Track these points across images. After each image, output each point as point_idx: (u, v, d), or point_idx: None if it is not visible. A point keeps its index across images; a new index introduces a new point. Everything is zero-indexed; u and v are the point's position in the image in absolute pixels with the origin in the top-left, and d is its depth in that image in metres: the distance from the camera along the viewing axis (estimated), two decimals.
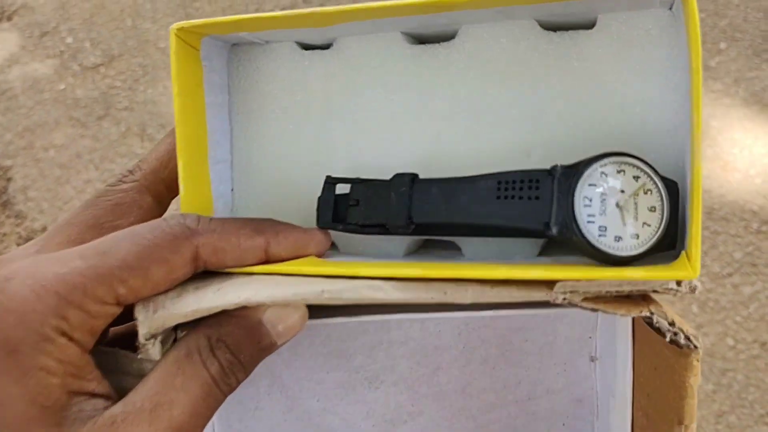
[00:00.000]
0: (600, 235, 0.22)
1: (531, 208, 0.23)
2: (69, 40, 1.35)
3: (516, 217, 0.23)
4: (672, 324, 0.23)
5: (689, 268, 0.21)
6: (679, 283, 0.21)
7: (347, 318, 0.28)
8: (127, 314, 0.24)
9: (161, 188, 0.28)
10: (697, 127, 0.21)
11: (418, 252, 0.29)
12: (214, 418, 0.31)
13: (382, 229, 0.25)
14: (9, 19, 1.38)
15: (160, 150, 0.28)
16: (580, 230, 0.22)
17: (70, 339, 0.21)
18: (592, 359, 0.34)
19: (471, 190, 0.24)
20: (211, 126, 0.28)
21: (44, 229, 1.19)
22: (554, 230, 0.22)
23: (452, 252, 0.28)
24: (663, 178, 0.23)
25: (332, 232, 0.27)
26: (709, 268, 1.13)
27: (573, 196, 0.22)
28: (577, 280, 0.21)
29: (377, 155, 0.28)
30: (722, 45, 1.26)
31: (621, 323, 0.30)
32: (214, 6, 1.35)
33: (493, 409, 0.34)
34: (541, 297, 0.22)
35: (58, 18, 1.37)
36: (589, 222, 0.22)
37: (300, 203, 0.29)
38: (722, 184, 1.17)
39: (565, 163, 0.23)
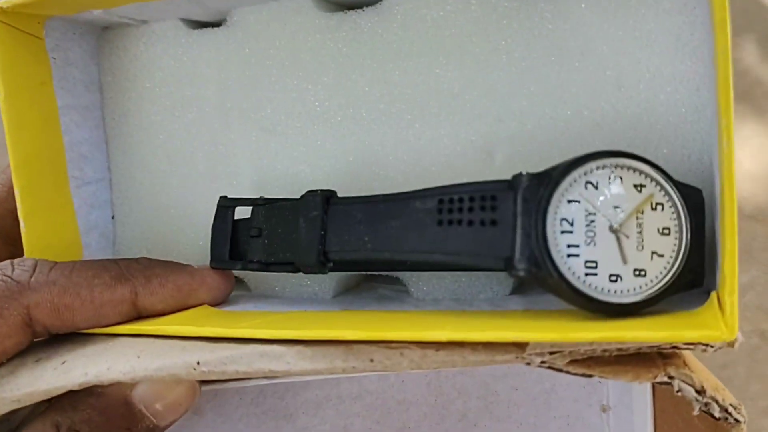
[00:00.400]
0: (588, 274, 0.15)
1: (485, 237, 0.16)
2: None
3: (465, 250, 0.16)
4: (701, 392, 0.16)
5: (722, 324, 0.14)
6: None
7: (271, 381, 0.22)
8: None
9: (8, 222, 0.22)
10: (726, 107, 0.14)
11: (355, 291, 0.22)
12: None
13: (293, 268, 0.19)
14: None
15: (7, 173, 0.21)
16: (556, 268, 0.15)
17: None
18: (604, 409, 0.28)
19: (404, 213, 0.17)
20: (70, 137, 0.22)
21: None
22: (520, 269, 0.15)
23: (398, 290, 0.21)
24: (680, 186, 0.16)
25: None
26: None
27: (545, 217, 0.15)
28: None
29: (288, 163, 0.21)
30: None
31: None
32: None
33: None
34: (508, 360, 0.16)
35: None
36: (570, 255, 0.15)
37: (198, 231, 0.22)
38: None
39: (534, 171, 0.16)
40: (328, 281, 0.21)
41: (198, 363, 0.17)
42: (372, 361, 0.16)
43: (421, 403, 0.28)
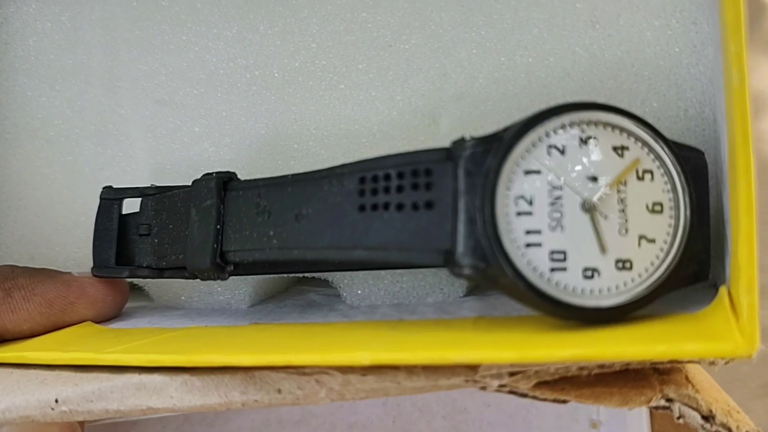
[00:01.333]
0: (555, 269, 0.12)
1: (419, 225, 0.12)
2: None
3: (392, 243, 0.12)
4: (709, 418, 0.13)
5: (736, 332, 0.11)
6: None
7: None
8: None
9: None
10: (735, 29, 0.11)
11: (279, 298, 0.18)
12: None
13: (189, 273, 0.15)
14: None
15: None
16: (511, 263, 0.11)
17: None
18: (594, 425, 0.26)
19: (317, 197, 0.13)
20: None
21: None
22: (464, 265, 0.12)
23: (330, 294, 0.17)
24: (674, 147, 0.12)
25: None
26: None
27: (494, 195, 0.12)
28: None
29: (190, 140, 0.18)
30: None
31: None
32: None
33: None
34: (454, 384, 0.12)
35: None
36: (530, 245, 0.12)
37: (88, 230, 0.18)
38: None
39: (480, 134, 0.12)
40: (243, 287, 0.17)
41: (56, 401, 0.14)
42: (279, 392, 0.13)
43: (376, 426, 0.25)
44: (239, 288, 0.17)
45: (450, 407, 0.25)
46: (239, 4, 0.16)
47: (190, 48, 0.17)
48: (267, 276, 0.17)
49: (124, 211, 0.17)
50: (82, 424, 0.16)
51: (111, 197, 0.17)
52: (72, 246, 0.19)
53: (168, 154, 0.18)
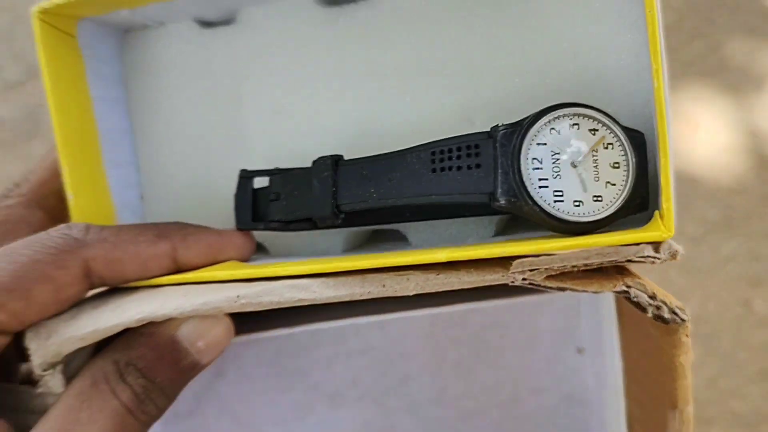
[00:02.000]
0: (556, 201, 0.19)
1: (472, 178, 0.20)
2: None
3: (456, 190, 0.20)
4: (653, 297, 0.20)
5: (662, 227, 0.18)
6: (657, 248, 0.19)
7: (292, 329, 0.26)
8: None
9: (53, 201, 0.25)
10: (657, 68, 0.18)
11: (362, 247, 0.26)
12: None
13: (310, 224, 0.22)
14: None
15: (49, 158, 0.25)
16: (530, 197, 0.19)
17: None
18: (579, 351, 0.32)
19: (402, 165, 0.21)
20: (103, 124, 0.25)
21: None
22: (501, 200, 0.19)
23: (400, 243, 0.25)
24: (626, 129, 0.20)
25: (259, 233, 0.25)
26: (683, 230, 1.13)
27: (519, 158, 0.19)
28: (537, 256, 0.18)
29: (298, 139, 0.25)
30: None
31: (606, 308, 0.29)
32: None
33: (474, 416, 0.32)
34: (496, 279, 0.19)
35: None
36: (541, 187, 0.19)
37: (219, 204, 0.26)
38: (688, 142, 1.17)
39: (508, 122, 0.20)
40: (337, 239, 0.25)
41: (237, 296, 0.21)
42: (384, 286, 0.20)
43: (420, 354, 0.32)
44: (334, 239, 0.25)
45: (474, 339, 0.31)
46: (334, 45, 0.24)
47: (298, 73, 0.24)
48: (354, 229, 0.25)
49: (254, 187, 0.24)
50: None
51: (247, 176, 0.24)
52: (206, 217, 0.26)
53: (280, 149, 0.25)
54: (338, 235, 0.25)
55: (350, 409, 0.32)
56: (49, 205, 0.25)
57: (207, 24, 0.26)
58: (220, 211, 0.25)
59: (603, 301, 0.29)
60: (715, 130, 1.17)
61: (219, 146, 0.26)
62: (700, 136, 1.16)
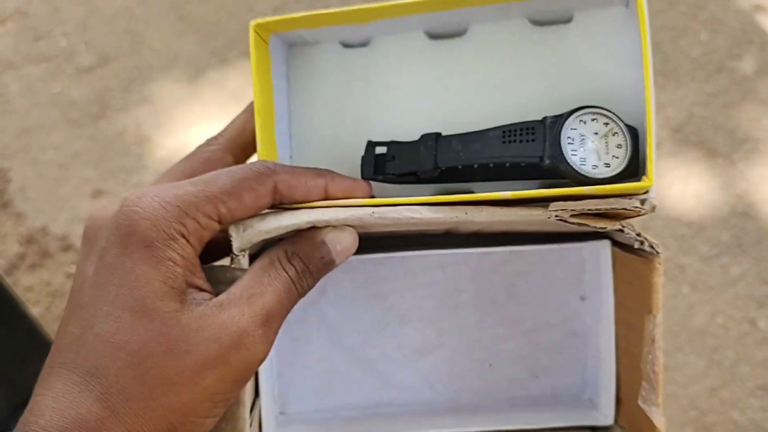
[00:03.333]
0: (581, 164, 0.30)
1: (529, 147, 0.31)
2: (63, 43, 1.43)
3: (518, 154, 0.31)
4: (639, 235, 0.31)
5: (646, 180, 0.29)
6: (642, 202, 0.29)
7: (383, 254, 0.37)
8: (211, 257, 0.32)
9: (238, 151, 0.36)
10: (648, 91, 0.30)
11: None
12: (273, 351, 0.39)
13: (414, 177, 0.34)
14: (2, 24, 1.46)
15: (237, 122, 0.37)
16: (566, 160, 0.30)
17: (188, 241, 0.28)
18: (582, 298, 0.40)
19: (482, 138, 0.32)
20: (276, 104, 0.37)
21: (44, 228, 1.27)
22: (548, 161, 0.30)
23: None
24: (627, 125, 0.31)
25: (374, 188, 0.36)
26: (697, 250, 1.23)
27: (560, 136, 0.30)
28: (566, 201, 0.30)
29: (407, 127, 0.37)
30: (703, 36, 1.37)
31: (604, 266, 0.37)
32: (207, 7, 1.44)
33: (503, 340, 0.41)
34: (539, 215, 0.30)
35: (51, 22, 1.45)
36: (572, 154, 0.30)
37: (345, 168, 0.37)
38: (707, 168, 1.28)
39: (553, 115, 0.31)
40: (426, 192, 0.36)
41: (372, 212, 0.30)
42: (466, 213, 0.30)
43: (467, 290, 0.40)
44: (424, 192, 0.37)
45: (507, 282, 0.40)
46: (437, 63, 0.36)
47: (410, 83, 0.37)
48: (439, 186, 0.36)
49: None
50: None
51: (372, 144, 0.34)
52: (342, 172, 0.34)
53: (393, 133, 0.36)
54: (428, 190, 0.37)
55: (414, 327, 0.40)
56: (236, 153, 0.36)
57: (348, 45, 0.38)
58: (345, 171, 0.35)
59: (602, 258, 0.37)
60: (734, 158, 1.28)
61: (349, 126, 0.37)
62: (719, 162, 1.28)
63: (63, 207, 1.29)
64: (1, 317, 0.65)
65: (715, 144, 1.31)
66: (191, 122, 1.35)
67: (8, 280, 1.21)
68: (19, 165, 1.32)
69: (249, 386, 0.34)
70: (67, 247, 1.25)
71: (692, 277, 1.23)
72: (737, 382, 1.16)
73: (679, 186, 1.27)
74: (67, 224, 1.27)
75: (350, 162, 0.37)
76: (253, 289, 0.29)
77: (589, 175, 0.31)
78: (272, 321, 0.30)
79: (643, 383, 0.33)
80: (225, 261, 0.33)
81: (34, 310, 1.19)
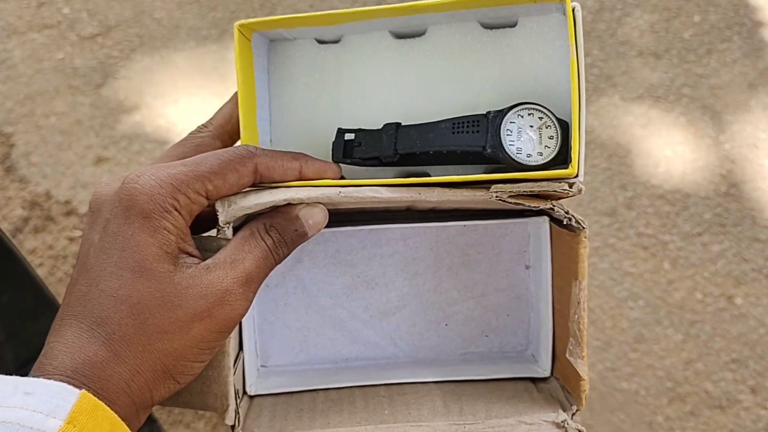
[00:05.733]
0: (517, 153, 0.35)
1: (474, 137, 0.36)
2: (66, 10, 1.48)
3: (465, 144, 0.36)
4: (567, 213, 0.36)
5: (571, 168, 0.34)
6: (570, 185, 0.35)
7: (352, 227, 0.43)
8: (200, 230, 0.37)
9: (226, 137, 0.41)
10: (574, 90, 0.35)
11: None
12: (255, 311, 0.46)
13: (377, 161, 0.39)
14: None
15: (224, 111, 0.42)
16: (504, 149, 0.35)
17: (180, 213, 0.33)
18: (527, 267, 0.46)
19: (436, 129, 0.37)
20: (258, 94, 0.42)
21: (48, 193, 1.33)
22: (489, 150, 0.35)
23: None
24: (558, 119, 0.36)
25: (343, 169, 0.41)
26: (680, 228, 1.29)
27: (500, 128, 0.35)
28: (504, 183, 0.35)
29: (372, 115, 0.42)
30: (696, 18, 1.41)
31: (544, 239, 0.42)
32: None
33: (457, 303, 0.46)
34: (481, 196, 0.35)
35: None
36: (510, 145, 0.35)
37: (318, 150, 0.42)
38: (694, 149, 1.33)
39: (495, 110, 0.36)
40: (389, 174, 0.42)
41: (339, 192, 0.35)
42: (419, 193, 0.35)
43: (426, 259, 0.46)
44: (387, 174, 0.42)
45: (461, 252, 0.45)
46: (400, 59, 0.42)
47: (375, 76, 0.42)
48: (399, 168, 0.41)
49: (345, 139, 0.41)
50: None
51: (341, 131, 0.39)
52: (316, 154, 0.42)
53: (360, 119, 0.42)
54: (390, 172, 0.42)
55: (379, 291, 0.45)
56: (224, 139, 0.41)
57: (322, 42, 0.43)
58: (320, 154, 0.40)
59: (542, 231, 0.42)
60: (721, 139, 1.33)
61: (323, 115, 0.43)
62: (705, 142, 1.33)
63: (65, 173, 1.34)
64: (10, 277, 0.71)
65: (703, 125, 1.35)
66: (192, 92, 1.40)
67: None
68: (22, 130, 1.38)
69: (233, 341, 0.40)
70: (69, 212, 1.31)
71: (674, 253, 1.28)
72: (712, 356, 1.22)
73: (664, 165, 1.32)
74: (69, 190, 1.33)
75: (323, 145, 0.43)
76: (236, 255, 0.34)
77: (524, 163, 0.36)
78: (251, 282, 0.34)
79: (570, 339, 0.39)
80: (213, 233, 0.38)
81: (38, 272, 1.25)
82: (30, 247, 1.29)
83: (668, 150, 1.33)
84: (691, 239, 1.29)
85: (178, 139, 0.41)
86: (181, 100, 1.39)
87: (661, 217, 1.30)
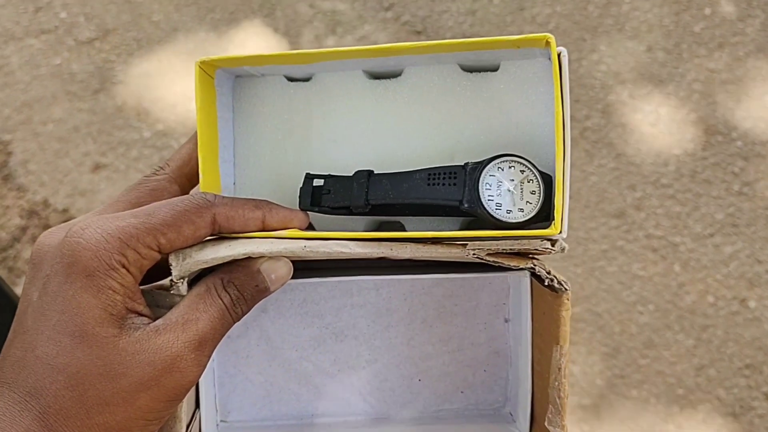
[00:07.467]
0: (497, 209, 0.33)
1: (450, 190, 0.33)
2: (63, 15, 1.45)
3: (440, 197, 0.34)
4: (549, 273, 0.33)
5: (554, 227, 0.31)
6: (553, 244, 0.32)
7: (321, 279, 0.40)
8: (154, 276, 0.34)
9: (184, 180, 0.38)
10: (559, 144, 0.32)
11: (375, 232, 0.41)
12: (214, 364, 0.43)
13: (347, 211, 0.35)
14: None
15: (182, 152, 0.39)
16: (482, 205, 0.33)
17: (128, 271, 0.30)
18: (506, 320, 0.43)
19: (410, 179, 0.34)
20: (221, 135, 0.39)
21: (45, 201, 1.31)
22: (466, 205, 0.33)
23: (400, 231, 0.40)
24: (541, 172, 0.33)
25: (310, 216, 0.37)
26: (691, 229, 1.25)
27: (478, 182, 0.33)
28: (483, 240, 0.32)
29: (344, 159, 0.39)
30: (707, 11, 1.36)
31: (524, 291, 0.39)
32: None
33: (431, 357, 0.43)
34: (457, 253, 0.32)
35: None
36: (488, 199, 0.33)
37: (285, 195, 0.38)
38: (705, 147, 1.29)
39: (474, 161, 0.33)
40: (360, 224, 0.39)
41: (305, 246, 0.32)
42: (391, 249, 0.32)
43: (399, 310, 0.43)
44: (357, 224, 0.38)
45: (437, 304, 0.43)
46: (374, 101, 0.38)
47: (348, 118, 0.38)
48: (371, 218, 0.38)
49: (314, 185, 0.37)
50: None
51: (310, 177, 0.36)
52: (280, 202, 0.36)
53: (331, 163, 0.38)
54: (361, 222, 0.39)
55: (348, 344, 0.43)
56: (182, 183, 0.37)
57: (292, 79, 0.40)
58: (285, 200, 0.37)
59: (523, 285, 0.39)
60: (733, 136, 1.28)
61: (291, 157, 0.39)
62: (717, 139, 1.28)
63: (63, 180, 1.32)
64: None
65: (714, 122, 1.31)
66: (190, 96, 1.37)
67: (10, 253, 1.26)
68: (20, 138, 1.36)
69: (189, 400, 0.37)
70: (67, 220, 1.28)
71: (685, 255, 1.24)
72: (725, 361, 1.18)
73: (674, 164, 1.28)
74: (67, 198, 1.31)
75: (290, 190, 0.39)
76: (189, 315, 0.32)
77: (504, 219, 0.33)
78: (205, 345, 0.32)
79: (550, 407, 0.36)
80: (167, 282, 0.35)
81: None
82: (28, 257, 1.26)
83: (678, 148, 1.29)
84: (703, 240, 1.25)
85: (176, 145, 0.38)
86: (180, 104, 1.36)
87: (671, 218, 1.26)
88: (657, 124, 1.29)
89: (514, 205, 0.33)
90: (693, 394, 1.17)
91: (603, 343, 1.18)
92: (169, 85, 1.38)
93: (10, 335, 0.32)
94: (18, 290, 1.11)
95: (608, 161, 1.28)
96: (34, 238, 1.28)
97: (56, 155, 1.34)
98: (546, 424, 0.36)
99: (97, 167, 1.32)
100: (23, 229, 1.29)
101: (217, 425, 0.43)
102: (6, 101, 1.38)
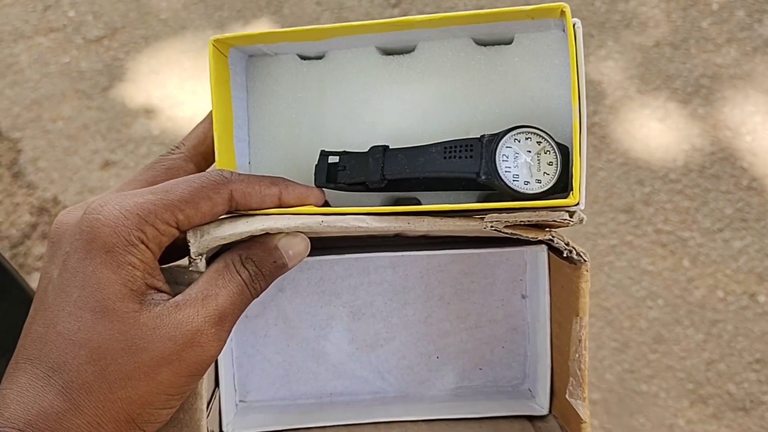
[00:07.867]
0: (514, 180, 0.32)
1: (467, 163, 0.33)
2: (71, 13, 1.46)
3: (457, 169, 0.33)
4: (567, 244, 0.33)
5: (572, 197, 0.31)
6: (571, 215, 0.32)
7: (337, 256, 0.40)
8: (173, 255, 0.34)
9: (200, 159, 0.38)
10: (575, 114, 0.32)
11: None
12: (233, 344, 0.43)
13: (363, 186, 0.35)
14: None
15: (198, 131, 0.39)
16: (500, 176, 0.32)
17: (147, 247, 0.30)
18: (523, 296, 0.43)
19: (426, 153, 0.34)
20: (235, 114, 0.39)
21: (55, 198, 1.31)
22: (483, 177, 0.32)
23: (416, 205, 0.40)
24: (558, 144, 0.33)
25: (326, 193, 0.38)
26: (700, 224, 1.24)
27: (495, 154, 0.33)
28: (500, 212, 0.32)
29: (358, 136, 0.39)
30: (714, 6, 1.36)
31: (541, 267, 0.39)
32: None
33: (449, 335, 0.43)
34: (475, 226, 0.32)
35: None
36: (506, 171, 0.32)
37: (300, 173, 0.38)
38: (713, 142, 1.28)
39: (490, 133, 0.33)
40: (376, 200, 0.39)
41: (322, 221, 0.32)
42: (408, 223, 0.32)
43: (417, 288, 0.43)
44: (373, 200, 0.39)
45: (454, 281, 0.42)
46: (387, 77, 0.38)
47: (361, 94, 0.38)
48: (387, 194, 0.38)
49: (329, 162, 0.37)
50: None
51: (325, 153, 0.36)
52: (298, 178, 0.36)
53: (345, 140, 0.38)
54: (377, 198, 0.39)
55: (366, 322, 0.43)
56: (197, 161, 0.37)
57: (305, 58, 0.40)
58: (300, 178, 0.37)
59: (540, 260, 0.39)
60: (742, 131, 1.28)
61: (305, 135, 0.39)
62: (725, 134, 1.27)
63: (73, 178, 1.32)
64: (2, 291, 0.69)
65: (723, 117, 1.30)
66: (199, 93, 1.37)
67: (20, 249, 1.26)
68: (30, 135, 1.36)
69: (207, 379, 0.37)
70: None
71: (694, 250, 1.24)
72: (735, 356, 1.18)
73: (683, 159, 1.27)
74: (77, 195, 1.31)
75: (305, 168, 0.39)
76: (208, 290, 0.32)
77: (521, 191, 0.33)
78: (225, 320, 0.32)
79: (571, 379, 0.36)
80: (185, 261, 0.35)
81: None
82: (38, 254, 1.27)
83: (687, 143, 1.28)
84: (712, 235, 1.25)
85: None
86: (188, 101, 1.36)
87: (680, 212, 1.25)
88: (665, 119, 1.29)
89: (532, 176, 0.33)
90: (703, 389, 1.17)
91: (612, 338, 1.18)
92: (177, 82, 1.38)
93: (31, 312, 0.32)
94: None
95: (616, 156, 1.28)
96: (44, 235, 1.28)
97: (66, 153, 1.34)
98: (567, 396, 0.36)
99: (106, 164, 1.33)
100: (33, 226, 1.29)
101: (236, 405, 0.43)
102: (15, 99, 1.39)
